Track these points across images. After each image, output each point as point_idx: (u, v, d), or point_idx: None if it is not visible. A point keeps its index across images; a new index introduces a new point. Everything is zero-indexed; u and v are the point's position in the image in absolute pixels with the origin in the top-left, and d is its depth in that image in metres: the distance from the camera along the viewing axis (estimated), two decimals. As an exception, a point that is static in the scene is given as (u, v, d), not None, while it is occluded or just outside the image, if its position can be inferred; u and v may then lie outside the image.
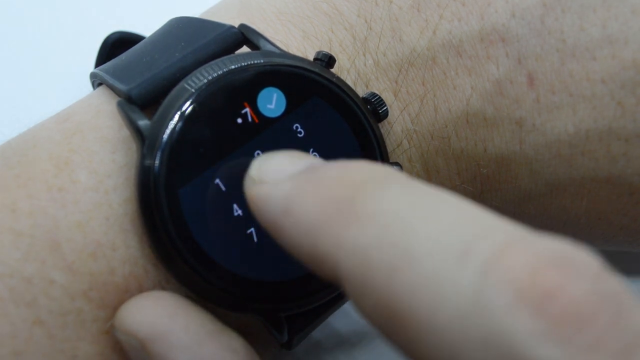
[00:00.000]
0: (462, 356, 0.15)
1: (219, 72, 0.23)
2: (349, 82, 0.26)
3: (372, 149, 0.25)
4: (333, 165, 0.19)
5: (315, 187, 0.19)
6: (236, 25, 0.26)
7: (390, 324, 0.16)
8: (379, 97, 0.25)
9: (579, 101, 0.26)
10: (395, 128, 0.27)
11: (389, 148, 0.26)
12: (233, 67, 0.23)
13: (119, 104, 0.24)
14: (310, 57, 0.26)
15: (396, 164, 0.26)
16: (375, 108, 0.25)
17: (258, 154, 0.23)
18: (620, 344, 0.14)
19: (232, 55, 0.24)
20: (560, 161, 0.27)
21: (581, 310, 0.15)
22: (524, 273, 0.15)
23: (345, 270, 0.17)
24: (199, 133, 0.23)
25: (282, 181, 0.19)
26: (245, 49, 0.26)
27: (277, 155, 0.20)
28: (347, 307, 0.32)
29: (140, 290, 0.23)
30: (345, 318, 0.32)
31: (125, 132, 0.24)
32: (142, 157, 0.23)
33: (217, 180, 0.23)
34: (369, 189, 0.18)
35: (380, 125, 0.26)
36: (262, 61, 0.24)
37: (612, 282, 0.15)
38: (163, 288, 0.23)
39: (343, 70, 0.27)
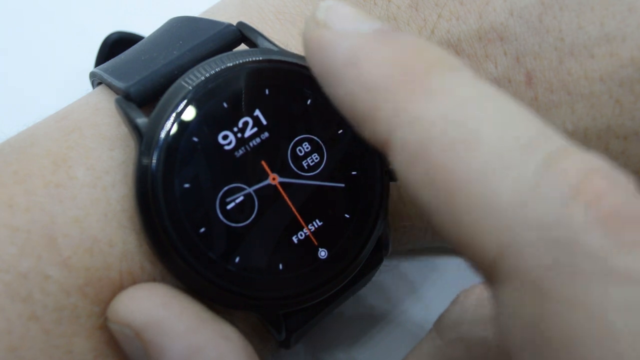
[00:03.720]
0: (519, 235, 0.16)
1: (217, 70, 0.23)
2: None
3: (369, 146, 0.25)
4: (408, 36, 0.19)
5: (388, 48, 0.19)
6: (234, 24, 0.26)
7: (442, 198, 0.17)
8: None
9: (577, 99, 0.26)
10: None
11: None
12: (230, 64, 0.24)
13: (117, 102, 0.24)
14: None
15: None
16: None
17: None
18: None
19: (229, 52, 0.24)
20: None
21: (626, 212, 0.16)
22: (580, 173, 0.16)
23: (401, 139, 0.17)
24: (196, 131, 0.23)
25: (352, 32, 0.19)
26: (243, 47, 0.26)
27: (348, 6, 0.20)
28: (347, 307, 0.32)
29: None
30: (345, 318, 0.32)
31: (124, 130, 0.24)
32: (140, 154, 0.23)
33: (215, 178, 0.23)
34: (443, 67, 0.18)
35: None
36: (259, 58, 0.24)
37: None
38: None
39: (341, 68, 0.27)
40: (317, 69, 0.19)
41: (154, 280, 0.23)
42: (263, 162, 0.23)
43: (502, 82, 0.26)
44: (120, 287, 0.22)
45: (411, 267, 0.34)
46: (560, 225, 0.16)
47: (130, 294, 0.22)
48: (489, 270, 0.17)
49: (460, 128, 0.17)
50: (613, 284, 0.15)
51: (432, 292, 0.34)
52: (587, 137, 0.26)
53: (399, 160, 0.18)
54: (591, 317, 0.15)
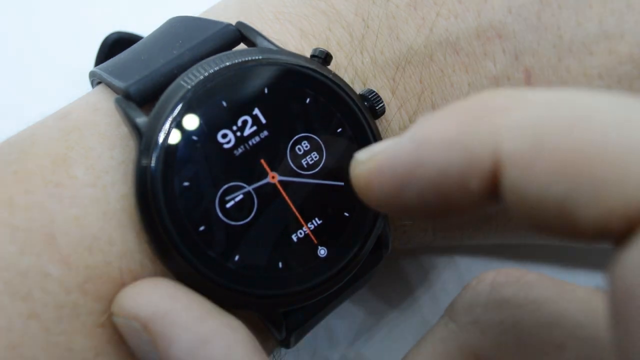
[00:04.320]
0: None
1: (216, 69, 0.23)
2: (347, 80, 0.26)
3: (369, 145, 0.25)
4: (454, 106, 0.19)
5: (442, 115, 0.18)
6: (234, 24, 0.26)
7: (573, 183, 0.16)
8: (376, 93, 0.26)
9: None
10: (393, 125, 0.27)
11: (387, 145, 0.26)
12: (229, 63, 0.24)
13: (117, 101, 0.24)
14: (308, 55, 0.26)
15: None
16: (372, 105, 0.25)
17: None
18: None
19: (228, 52, 0.24)
20: None
21: None
22: None
23: (511, 147, 0.17)
24: (196, 129, 0.23)
25: (399, 139, 0.19)
26: (242, 46, 0.26)
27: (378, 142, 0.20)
28: (347, 307, 0.32)
29: None
30: (344, 316, 0.32)
31: (124, 129, 0.24)
32: (140, 153, 0.23)
33: (214, 176, 0.23)
34: (507, 95, 0.18)
35: (378, 122, 0.26)
36: (258, 58, 0.24)
37: None
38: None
39: (340, 68, 0.27)
40: (389, 189, 0.19)
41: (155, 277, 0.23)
42: (262, 161, 0.23)
43: (501, 80, 0.26)
44: (120, 285, 0.22)
45: (411, 267, 0.34)
46: None
47: (136, 288, 0.22)
48: (624, 234, 0.16)
49: (563, 111, 0.17)
50: None
51: (432, 291, 0.34)
52: None
53: (514, 174, 0.17)
54: None
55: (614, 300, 0.16)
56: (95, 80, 0.27)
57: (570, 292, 0.23)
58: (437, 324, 0.25)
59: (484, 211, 0.18)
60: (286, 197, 0.24)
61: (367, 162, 0.19)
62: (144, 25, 0.31)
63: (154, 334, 0.21)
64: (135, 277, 0.23)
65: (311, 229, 0.24)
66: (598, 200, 0.16)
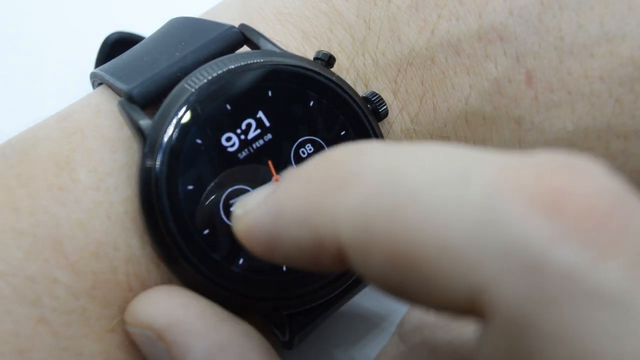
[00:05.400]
0: (484, 272, 0.14)
1: (219, 72, 0.23)
2: (349, 82, 0.26)
3: None
4: (309, 160, 0.19)
5: (296, 182, 0.18)
6: (236, 25, 0.26)
7: (403, 272, 0.16)
8: (379, 96, 0.26)
9: (578, 99, 0.26)
10: (395, 127, 0.27)
11: (389, 147, 0.26)
12: (233, 66, 0.24)
13: (120, 104, 0.24)
14: (310, 57, 0.26)
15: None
16: (375, 107, 0.25)
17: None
18: (638, 245, 0.14)
19: (232, 54, 0.24)
20: None
21: (595, 209, 0.14)
22: (531, 179, 0.15)
23: (347, 236, 0.17)
24: (200, 133, 0.23)
25: (265, 199, 0.19)
26: (245, 48, 0.26)
27: (252, 191, 0.21)
28: (347, 307, 0.32)
29: (144, 288, 0.23)
30: (347, 318, 0.32)
31: (126, 131, 0.24)
32: (144, 156, 0.23)
33: (219, 180, 0.23)
34: (348, 160, 0.18)
35: (380, 124, 0.26)
36: (262, 60, 0.24)
37: (620, 183, 0.15)
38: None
39: (342, 69, 0.27)
40: (260, 250, 0.19)
41: (161, 282, 0.23)
42: (266, 164, 0.23)
43: (502, 82, 0.26)
44: (128, 290, 0.22)
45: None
46: (524, 246, 0.14)
47: (149, 297, 0.22)
48: (467, 314, 0.15)
49: (389, 196, 0.16)
50: (592, 308, 0.13)
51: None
52: (587, 137, 0.26)
53: (356, 259, 0.17)
54: (578, 353, 0.13)
55: None
56: (97, 81, 0.27)
57: None
58: (389, 344, 0.25)
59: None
60: None
61: (240, 220, 0.20)
62: (145, 25, 0.31)
63: (168, 343, 0.21)
64: (142, 282, 0.23)
65: None
66: (425, 291, 0.15)
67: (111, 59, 0.27)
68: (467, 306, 0.15)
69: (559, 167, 0.15)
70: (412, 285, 0.16)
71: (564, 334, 0.13)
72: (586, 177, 0.15)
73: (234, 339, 0.21)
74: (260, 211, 0.19)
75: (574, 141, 0.26)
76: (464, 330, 0.23)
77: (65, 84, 0.34)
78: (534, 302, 0.14)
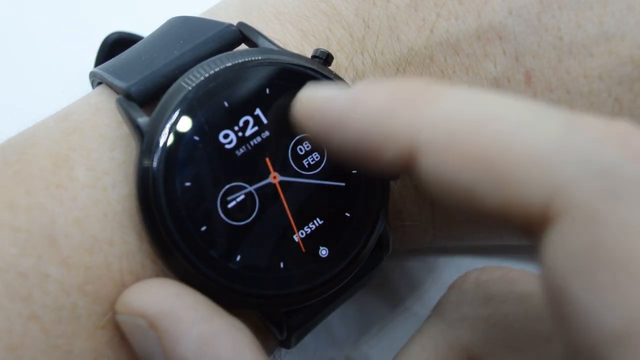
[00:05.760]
0: (563, 173, 0.17)
1: (217, 69, 0.23)
2: (348, 80, 0.26)
3: None
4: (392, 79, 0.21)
5: (381, 87, 0.20)
6: (235, 24, 0.26)
7: (480, 173, 0.18)
8: None
9: (577, 98, 0.26)
10: (394, 126, 0.27)
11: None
12: (230, 64, 0.24)
13: (118, 101, 0.24)
14: (309, 56, 0.26)
15: None
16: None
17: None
18: None
19: (229, 52, 0.24)
20: None
21: None
22: (602, 123, 0.17)
23: (427, 140, 0.18)
24: (197, 130, 0.23)
25: (342, 92, 0.20)
26: (243, 47, 0.26)
27: (326, 84, 0.22)
28: (348, 307, 0.32)
29: None
30: (345, 317, 0.32)
31: (124, 130, 0.24)
32: (141, 153, 0.23)
33: (216, 177, 0.23)
34: (435, 84, 0.20)
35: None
36: (259, 58, 0.24)
37: None
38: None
39: (341, 68, 0.27)
40: (320, 131, 0.20)
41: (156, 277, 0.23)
42: (264, 161, 0.23)
43: (501, 81, 0.26)
44: (121, 286, 0.22)
45: (411, 267, 0.34)
46: (600, 158, 0.17)
47: (142, 286, 0.22)
48: (538, 220, 0.17)
49: (480, 109, 0.18)
50: None
51: (432, 291, 0.34)
52: None
53: (428, 161, 0.18)
54: None
55: (548, 296, 0.17)
56: (96, 80, 0.27)
57: None
58: (426, 323, 0.25)
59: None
60: (283, 198, 0.24)
61: (306, 102, 0.21)
62: (144, 25, 0.31)
63: (160, 331, 0.21)
64: (137, 278, 0.23)
65: (312, 229, 0.24)
66: (497, 194, 0.17)
67: (111, 58, 0.27)
68: (540, 209, 0.17)
69: (620, 121, 0.18)
70: (486, 188, 0.18)
71: (635, 224, 0.16)
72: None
73: (226, 331, 0.21)
74: (335, 94, 0.20)
75: None
76: (503, 306, 0.23)
77: (65, 83, 0.34)
78: (609, 200, 0.16)
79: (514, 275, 0.24)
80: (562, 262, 0.16)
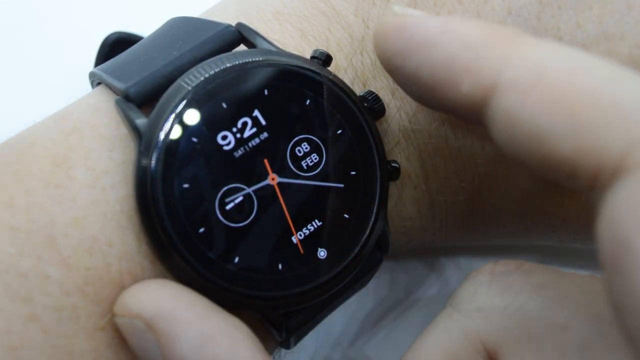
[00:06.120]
0: None
1: (216, 70, 0.23)
2: (347, 81, 0.26)
3: (369, 146, 0.25)
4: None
5: (477, 22, 0.21)
6: (233, 25, 0.26)
7: (563, 117, 0.18)
8: (376, 95, 0.26)
9: None
10: (393, 127, 0.27)
11: (387, 146, 0.26)
12: (229, 65, 0.24)
13: (117, 102, 0.24)
14: (308, 56, 0.26)
15: (394, 162, 0.26)
16: (372, 106, 0.25)
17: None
18: None
19: (228, 53, 0.24)
20: None
21: None
22: None
23: (512, 77, 0.19)
24: (195, 131, 0.23)
25: (434, 16, 0.21)
26: (242, 47, 0.26)
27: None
28: (347, 307, 0.32)
29: None
30: (344, 317, 0.32)
31: (123, 130, 0.24)
32: (139, 154, 0.23)
33: (214, 178, 0.23)
34: (529, 35, 0.20)
35: (377, 124, 0.26)
36: (258, 59, 0.24)
37: None
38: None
39: (340, 69, 0.27)
40: (400, 47, 0.21)
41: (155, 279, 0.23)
42: (262, 162, 0.23)
43: None
44: (120, 287, 0.23)
45: (411, 267, 0.34)
46: None
47: (140, 287, 0.22)
48: (609, 170, 0.17)
49: (571, 60, 0.19)
50: None
51: (432, 291, 0.34)
52: None
53: (507, 100, 0.19)
54: None
55: (608, 252, 0.17)
56: (95, 80, 0.27)
57: (570, 277, 0.23)
58: (441, 315, 0.25)
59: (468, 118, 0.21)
60: (281, 199, 0.24)
61: (396, 17, 0.21)
62: (144, 25, 0.31)
63: (158, 332, 0.21)
64: (136, 279, 0.23)
65: (311, 230, 0.24)
66: (575, 138, 0.18)
67: (110, 58, 0.27)
68: (615, 160, 0.17)
69: None
70: (565, 133, 0.18)
71: None
72: None
73: (224, 330, 0.21)
74: (426, 20, 0.21)
75: None
76: (519, 296, 0.23)
77: (65, 83, 0.34)
78: None
79: (528, 266, 0.24)
80: (630, 214, 0.16)
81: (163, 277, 0.23)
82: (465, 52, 0.20)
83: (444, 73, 0.20)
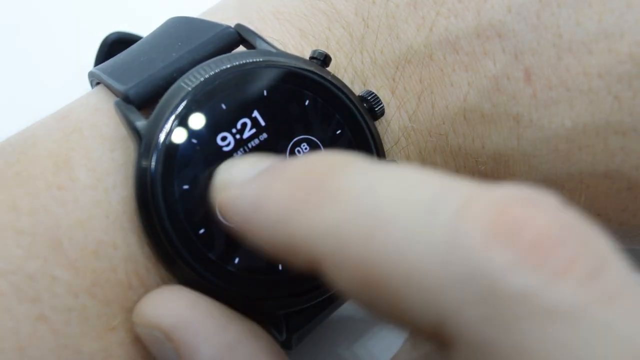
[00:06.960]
0: (447, 299, 0.16)
1: (215, 71, 0.23)
2: (346, 80, 0.26)
3: (368, 147, 0.25)
4: (296, 159, 0.19)
5: (281, 180, 0.19)
6: (233, 25, 0.26)
7: (373, 293, 0.17)
8: (375, 95, 0.26)
9: (576, 96, 0.26)
10: (393, 125, 0.27)
11: (387, 146, 0.27)
12: (228, 66, 0.24)
13: (117, 104, 0.24)
14: (307, 56, 0.26)
15: (393, 161, 0.26)
16: (371, 106, 0.25)
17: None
18: (588, 267, 0.15)
19: (227, 54, 0.24)
20: (558, 156, 0.27)
21: (549, 237, 0.15)
22: (492, 213, 0.16)
23: (322, 251, 0.17)
24: (195, 132, 0.23)
25: (249, 181, 0.19)
26: (242, 48, 0.26)
27: (239, 160, 0.21)
28: (348, 307, 0.32)
29: (144, 287, 0.23)
30: (345, 318, 0.32)
31: (124, 131, 0.24)
32: (139, 156, 0.23)
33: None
34: (334, 172, 0.18)
35: (377, 123, 0.26)
36: (257, 60, 0.24)
37: (574, 214, 0.16)
38: (165, 285, 0.23)
39: (340, 68, 0.27)
40: (235, 227, 0.20)
41: (161, 280, 0.23)
42: None
43: (500, 79, 0.26)
44: (128, 288, 0.23)
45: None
46: (484, 274, 0.15)
47: (156, 297, 0.22)
48: (438, 343, 0.16)
49: (365, 219, 0.17)
50: (547, 325, 0.15)
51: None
52: (585, 133, 0.26)
53: (330, 274, 0.17)
54: None
55: None
56: (95, 80, 0.27)
57: None
58: (401, 350, 0.24)
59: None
60: None
61: (222, 190, 0.20)
62: (144, 25, 0.31)
63: (177, 343, 0.21)
64: (142, 281, 0.23)
65: None
66: (396, 315, 0.17)
67: (110, 58, 0.27)
68: (434, 332, 0.16)
69: (519, 200, 0.16)
70: (383, 306, 0.17)
71: (523, 350, 0.15)
72: (542, 210, 0.16)
73: (243, 339, 0.21)
74: (241, 194, 0.19)
75: (573, 138, 0.26)
76: None
77: (65, 83, 0.34)
78: (494, 325, 0.15)
79: None
80: None
81: (167, 278, 0.23)
82: (278, 233, 0.18)
83: (273, 250, 0.19)
